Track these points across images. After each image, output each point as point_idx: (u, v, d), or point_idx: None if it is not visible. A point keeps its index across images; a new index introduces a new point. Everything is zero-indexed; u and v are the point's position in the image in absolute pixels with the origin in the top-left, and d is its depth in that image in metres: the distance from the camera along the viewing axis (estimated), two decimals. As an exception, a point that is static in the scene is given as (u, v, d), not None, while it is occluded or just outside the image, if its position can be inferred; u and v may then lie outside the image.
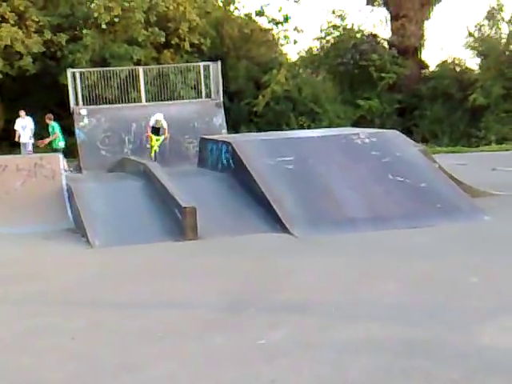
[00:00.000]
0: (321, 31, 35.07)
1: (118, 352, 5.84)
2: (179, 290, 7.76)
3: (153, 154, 19.63)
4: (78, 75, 21.95)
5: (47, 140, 20.01)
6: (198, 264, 9.04)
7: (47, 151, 18.85)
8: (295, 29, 33.31)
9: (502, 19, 32.49)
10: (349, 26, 34.54)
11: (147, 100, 22.64)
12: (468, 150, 25.94)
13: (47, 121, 20.53)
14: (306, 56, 35.78)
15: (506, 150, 24.68)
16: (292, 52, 36.88)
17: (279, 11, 33.09)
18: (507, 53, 31.34)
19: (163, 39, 27.45)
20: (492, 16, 32.37)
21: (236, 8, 33.12)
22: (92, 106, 21.70)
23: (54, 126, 20.24)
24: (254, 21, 33.08)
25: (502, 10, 32.29)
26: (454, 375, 4.93)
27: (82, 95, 21.84)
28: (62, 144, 20.47)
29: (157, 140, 19.69)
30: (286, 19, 33.01)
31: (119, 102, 22.55)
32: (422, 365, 5.17)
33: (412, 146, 14.17)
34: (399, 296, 7.10)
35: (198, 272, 8.60)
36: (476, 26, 33.06)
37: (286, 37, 33.68)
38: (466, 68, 34.13)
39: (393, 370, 5.11)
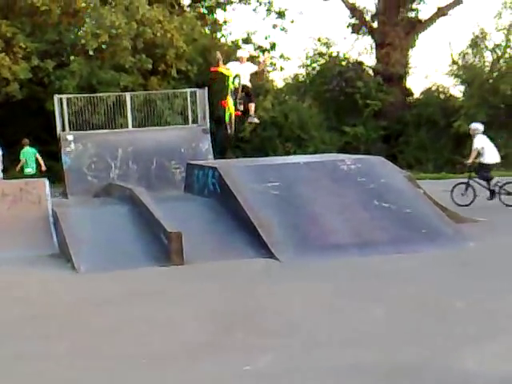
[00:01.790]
0: (307, 58, 35.47)
1: (102, 378, 5.80)
2: (165, 316, 7.73)
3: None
4: (64, 101, 21.95)
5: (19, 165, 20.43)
6: (183, 289, 9.02)
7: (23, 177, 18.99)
8: (282, 56, 33.62)
9: (486, 47, 32.93)
10: (334, 54, 34.95)
11: (134, 126, 22.66)
12: (452, 176, 26.08)
13: (24, 145, 20.70)
14: (292, 83, 36.09)
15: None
16: (278, 79, 37.25)
17: (266, 39, 33.41)
18: (491, 81, 31.73)
19: (150, 66, 27.58)
20: (476, 44, 32.80)
21: (223, 35, 33.44)
22: (79, 132, 21.68)
23: (24, 152, 20.41)
24: (242, 48, 33.29)
25: (485, 39, 32.75)
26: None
27: (69, 121, 21.82)
28: (29, 170, 20.55)
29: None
30: (273, 46, 33.31)
31: (106, 128, 22.56)
32: (408, 391, 5.20)
33: (397, 172, 14.26)
34: (385, 321, 7.12)
35: (183, 297, 8.58)
36: (460, 54, 33.51)
37: (272, 64, 33.94)
38: (450, 95, 34.50)
39: (378, 395, 5.13)
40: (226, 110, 15.57)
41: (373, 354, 6.07)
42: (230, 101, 15.20)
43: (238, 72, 14.77)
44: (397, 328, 6.86)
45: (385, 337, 6.57)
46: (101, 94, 23.96)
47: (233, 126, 15.82)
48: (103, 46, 26.62)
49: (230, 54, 31.55)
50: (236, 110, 15.23)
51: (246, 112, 15.40)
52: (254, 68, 15.32)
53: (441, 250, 10.70)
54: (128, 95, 23.21)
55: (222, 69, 15.28)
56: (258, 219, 11.48)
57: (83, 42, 26.54)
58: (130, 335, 7.05)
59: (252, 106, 15.40)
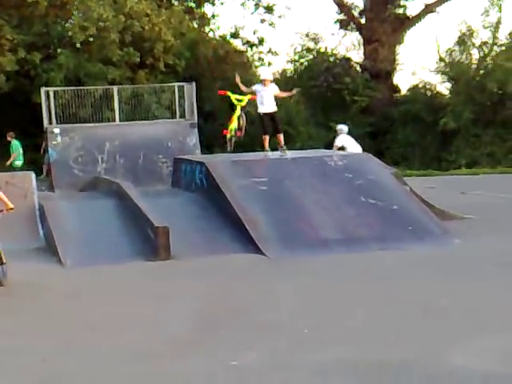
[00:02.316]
0: (294, 54, 35.44)
1: (89, 374, 5.79)
2: (151, 311, 7.73)
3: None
4: (51, 94, 21.80)
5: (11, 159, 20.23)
6: (170, 284, 9.03)
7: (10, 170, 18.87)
8: (270, 51, 33.57)
9: (473, 45, 33.07)
10: (322, 50, 34.94)
11: (121, 119, 22.56)
12: (438, 173, 26.24)
13: (8, 138, 20.52)
14: (280, 78, 36.02)
15: (476, 174, 25.01)
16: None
17: (254, 33, 33.36)
18: (477, 78, 31.88)
19: (138, 59, 27.49)
20: (463, 42, 32.92)
21: (211, 29, 33.36)
22: (65, 125, 21.53)
23: (14, 145, 20.28)
24: (229, 42, 33.27)
25: (472, 36, 32.87)
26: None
27: (56, 114, 21.70)
28: (18, 163, 20.47)
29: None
30: (261, 41, 33.26)
31: (93, 121, 22.45)
32: (394, 387, 5.23)
33: (384, 168, 14.32)
34: (371, 318, 7.16)
35: (170, 292, 8.59)
36: (447, 51, 33.62)
37: (260, 59, 33.91)
38: (437, 92, 34.61)
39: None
40: (229, 129, 15.67)
41: (359, 350, 6.10)
42: (234, 123, 15.38)
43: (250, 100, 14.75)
44: (382, 325, 6.89)
45: (370, 334, 6.60)
46: (88, 87, 23.84)
47: (232, 145, 15.92)
48: (91, 39, 26.49)
49: (217, 48, 31.62)
50: (237, 131, 15.45)
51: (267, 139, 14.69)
52: (276, 89, 14.50)
53: (427, 247, 10.75)
54: (115, 88, 23.10)
55: (232, 96, 15.19)
56: (245, 215, 11.50)
57: (70, 34, 26.39)
58: (116, 330, 7.05)
59: (280, 137, 14.53)
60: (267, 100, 14.10)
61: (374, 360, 5.84)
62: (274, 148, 14.74)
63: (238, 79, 14.66)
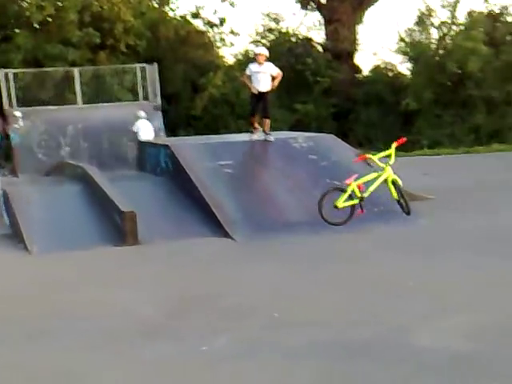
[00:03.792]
0: (256, 34, 35.33)
1: (55, 362, 5.78)
2: (119, 297, 7.72)
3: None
4: (11, 76, 21.48)
5: None
6: (138, 270, 9.01)
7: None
8: (231, 31, 33.43)
9: (432, 24, 33.31)
10: (284, 30, 34.88)
11: (83, 102, 22.33)
12: (401, 154, 26.43)
13: None
14: (242, 59, 35.92)
15: (438, 155, 25.31)
16: (229, 55, 37.09)
17: (214, 14, 33.14)
18: (437, 58, 32.13)
19: (98, 40, 27.16)
20: (422, 21, 33.13)
21: (171, 9, 33.04)
22: (27, 108, 21.26)
23: None
24: (190, 23, 33.01)
25: (431, 16, 33.10)
26: (395, 378, 5.08)
27: (16, 96, 21.38)
28: None
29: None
30: (222, 22, 33.06)
31: (54, 104, 22.17)
32: (363, 368, 5.31)
33: (348, 150, 14.41)
34: (339, 300, 7.24)
35: (138, 278, 8.57)
36: (407, 31, 33.83)
37: (222, 39, 33.74)
38: (398, 73, 34.85)
39: (334, 373, 5.23)
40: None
41: (328, 332, 6.18)
42: None
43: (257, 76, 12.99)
44: (351, 306, 6.99)
45: (339, 315, 6.69)
46: (48, 69, 23.53)
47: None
48: (49, 19, 26.03)
49: (178, 28, 31.34)
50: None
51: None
52: (275, 70, 13.18)
53: (392, 227, 10.88)
54: (76, 70, 22.85)
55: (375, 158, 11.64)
56: (211, 198, 11.50)
57: (28, 14, 25.89)
58: (84, 317, 7.00)
59: (267, 122, 13.39)
60: (262, 79, 13.01)
61: (343, 341, 5.93)
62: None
63: (246, 80, 13.31)
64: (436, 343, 5.79)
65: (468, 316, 6.50)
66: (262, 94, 13.06)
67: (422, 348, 5.69)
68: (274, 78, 13.09)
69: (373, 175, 11.19)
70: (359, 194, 10.78)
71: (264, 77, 13.03)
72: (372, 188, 10.91)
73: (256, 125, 13.42)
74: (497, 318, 6.42)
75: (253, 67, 13.14)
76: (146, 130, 19.01)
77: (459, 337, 5.94)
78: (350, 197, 10.71)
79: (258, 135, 13.38)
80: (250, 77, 13.10)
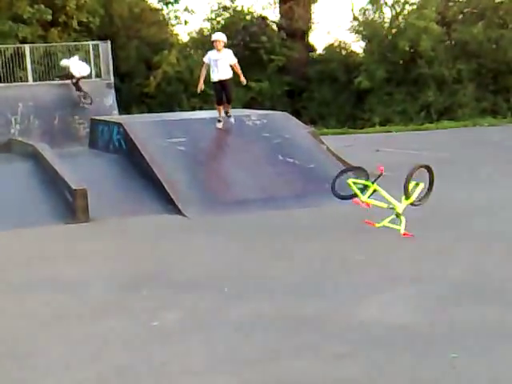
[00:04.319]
0: (211, 12, 35.11)
1: (3, 338, 5.77)
2: (69, 273, 7.72)
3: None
4: (-41, 53, 21.01)
5: None
6: (89, 246, 8.99)
7: None
8: (186, 9, 33.21)
9: (386, 4, 33.49)
10: (238, 8, 34.74)
11: (34, 79, 21.94)
12: (354, 131, 26.73)
13: None
14: (197, 37, 35.69)
15: (389, 132, 25.63)
16: (183, 33, 36.79)
17: (169, -9, 32.83)
18: (390, 37, 32.38)
19: (50, 17, 26.68)
20: (376, 0, 33.30)
21: (125, -14, 32.58)
22: (-25, 86, 20.83)
23: None
24: (144, 0, 32.66)
25: (385, -5, 33.32)
26: (341, 349, 5.18)
27: (-36, 74, 20.93)
28: None
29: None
30: (177, -1, 32.83)
31: (4, 82, 21.75)
32: (311, 340, 5.41)
33: (301, 127, 14.53)
34: (289, 274, 7.35)
35: (89, 254, 8.57)
36: (361, 10, 33.99)
37: (176, 17, 33.49)
38: (352, 52, 35.03)
39: (283, 346, 5.32)
40: None
41: (277, 306, 6.28)
42: None
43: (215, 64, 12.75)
44: (300, 280, 7.10)
45: (288, 290, 6.79)
46: (-2, 46, 23.02)
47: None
48: (-1, -4, 25.53)
49: (132, 6, 30.96)
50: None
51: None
52: (232, 59, 13.02)
53: (343, 204, 10.98)
54: (27, 47, 22.40)
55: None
56: (164, 175, 11.51)
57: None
58: (34, 294, 7.00)
59: (229, 107, 13.25)
60: (221, 67, 12.77)
61: (292, 314, 6.03)
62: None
63: (203, 70, 13.08)
64: (383, 316, 5.93)
65: (412, 288, 6.66)
66: (223, 82, 12.83)
67: (369, 320, 5.82)
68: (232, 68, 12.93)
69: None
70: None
71: (223, 63, 12.79)
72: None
73: (222, 113, 13.13)
74: (442, 288, 6.60)
75: (212, 55, 12.85)
76: (80, 66, 19.39)
77: (404, 309, 6.08)
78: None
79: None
80: (208, 65, 12.85)
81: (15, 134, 19.37)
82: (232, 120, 13.11)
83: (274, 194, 11.38)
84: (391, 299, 6.37)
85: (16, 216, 10.50)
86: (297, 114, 24.93)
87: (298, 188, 11.62)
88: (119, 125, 13.39)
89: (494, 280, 6.84)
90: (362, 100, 31.76)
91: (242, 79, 13.08)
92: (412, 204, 9.18)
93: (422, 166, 9.47)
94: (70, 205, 10.59)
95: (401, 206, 9.11)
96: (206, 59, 12.95)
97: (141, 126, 13.32)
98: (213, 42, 12.98)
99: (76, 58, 20.06)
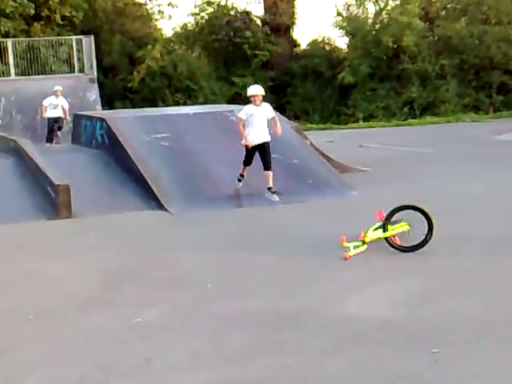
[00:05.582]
0: (195, 7, 35.08)
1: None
2: (52, 270, 7.68)
3: None
4: None
5: None
6: (71, 243, 8.96)
7: None
8: (170, 4, 33.10)
9: (369, -1, 33.65)
10: (222, 3, 34.72)
11: (17, 74, 21.85)
12: (337, 127, 26.84)
13: None
14: (180, 32, 35.63)
15: (372, 127, 25.74)
16: (167, 28, 36.61)
17: (153, -14, 32.72)
18: (373, 32, 32.49)
19: (33, 11, 26.51)
20: (359, -5, 33.42)
21: (108, -20, 32.43)
22: (-45, 80, 20.72)
23: None
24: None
25: (369, -10, 33.41)
26: (324, 345, 5.20)
27: None
28: None
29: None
30: (161, -6, 32.72)
31: (-14, 76, 21.66)
32: (294, 337, 5.43)
33: (285, 123, 14.49)
34: (272, 270, 7.37)
35: (71, 251, 8.54)
36: (344, 6, 34.09)
37: (160, 12, 33.40)
38: (336, 47, 35.18)
39: (266, 342, 5.33)
40: None
41: (260, 302, 6.30)
42: None
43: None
44: (283, 276, 7.12)
45: (271, 286, 6.80)
46: (-20, 40, 22.89)
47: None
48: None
49: (115, 0, 30.80)
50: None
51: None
52: (271, 113, 11.25)
53: (326, 199, 11.08)
54: (9, 41, 22.33)
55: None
56: (147, 171, 11.49)
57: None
58: (16, 291, 6.97)
59: (270, 175, 11.00)
60: (259, 125, 10.97)
61: (274, 311, 6.04)
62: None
63: (240, 126, 11.09)
64: (366, 312, 5.94)
65: (393, 284, 6.70)
66: (262, 145, 11.02)
67: (352, 316, 5.84)
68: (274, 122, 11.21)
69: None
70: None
71: (261, 121, 11.04)
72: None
73: (244, 173, 11.31)
74: (423, 284, 6.65)
75: (249, 109, 11.05)
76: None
77: (385, 305, 6.10)
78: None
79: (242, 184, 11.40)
80: (245, 121, 11.04)
81: (-3, 129, 19.27)
82: (276, 197, 10.85)
83: (257, 189, 11.35)
84: (371, 295, 6.40)
85: (-2, 211, 10.44)
86: (281, 109, 24.95)
87: (282, 183, 11.60)
88: (102, 120, 13.34)
89: (475, 276, 6.89)
90: (345, 95, 31.84)
91: (279, 131, 11.13)
92: (401, 249, 7.88)
93: (411, 208, 8.02)
94: (53, 200, 10.54)
95: (371, 235, 8.06)
96: (242, 115, 11.07)
97: (124, 121, 13.27)
98: (250, 96, 11.10)
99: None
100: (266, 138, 11.04)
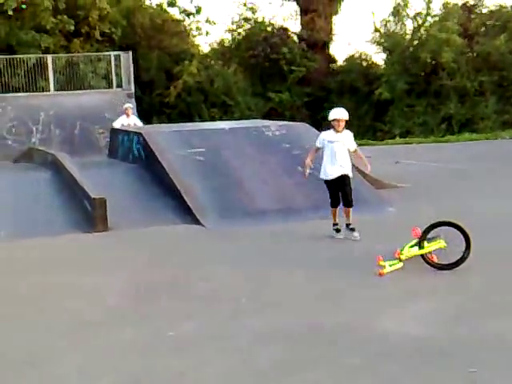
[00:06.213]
0: (232, 23, 35.30)
1: (22, 346, 5.79)
2: (89, 283, 7.73)
3: None
4: (-17, 62, 21.26)
5: None
6: (107, 256, 9.02)
7: None
8: (207, 20, 33.33)
9: (407, 15, 33.49)
10: (260, 19, 34.90)
11: (56, 89, 22.17)
12: (374, 143, 26.67)
13: None
14: (217, 48, 35.87)
15: (409, 144, 25.52)
16: (204, 44, 36.94)
17: (191, 2, 33.08)
18: (411, 49, 32.34)
19: (72, 27, 26.93)
20: (397, 12, 33.31)
21: (148, -3, 32.88)
22: (-3, 95, 21.08)
23: None
24: (166, 11, 32.88)
25: (406, 7, 33.27)
26: (358, 362, 5.14)
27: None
28: None
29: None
30: (198, 11, 32.97)
31: (27, 91, 21.99)
32: (327, 352, 5.38)
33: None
34: (307, 286, 7.32)
35: (107, 264, 8.60)
36: (382, 22, 33.99)
37: (198, 28, 33.66)
38: (373, 63, 35.06)
39: (300, 358, 5.29)
40: None
41: (295, 318, 6.25)
42: None
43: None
44: (318, 293, 7.06)
45: (306, 301, 6.76)
46: (21, 56, 23.27)
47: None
48: (23, 6, 25.76)
49: (154, 16, 31.19)
50: None
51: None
52: (353, 144, 9.97)
53: (362, 215, 10.91)
54: (50, 57, 22.66)
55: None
56: (183, 185, 11.52)
57: (2, 1, 25.61)
58: (54, 302, 7.03)
59: (349, 211, 9.77)
60: (340, 155, 9.70)
61: (308, 327, 5.99)
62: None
63: (310, 156, 10.04)
64: (399, 328, 5.87)
65: (431, 301, 6.61)
66: (342, 177, 9.72)
67: (385, 332, 5.77)
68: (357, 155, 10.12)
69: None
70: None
71: (342, 150, 9.75)
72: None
73: (337, 219, 9.90)
74: (457, 302, 6.53)
75: (327, 136, 9.87)
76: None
77: (422, 322, 6.02)
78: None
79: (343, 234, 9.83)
80: (320, 150, 9.96)
81: (36, 143, 19.57)
82: (356, 235, 9.61)
83: (293, 204, 11.34)
84: (409, 312, 6.31)
85: (35, 225, 10.53)
86: (317, 124, 24.85)
87: (317, 199, 11.53)
88: (139, 134, 13.44)
89: (513, 294, 6.77)
90: (382, 111, 31.69)
91: (369, 167, 10.16)
92: (438, 266, 7.69)
93: (447, 224, 7.81)
94: (89, 214, 10.63)
95: (407, 252, 7.89)
96: (318, 143, 9.96)
97: (160, 135, 13.36)
98: (332, 121, 9.93)
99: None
100: (347, 171, 9.72)
